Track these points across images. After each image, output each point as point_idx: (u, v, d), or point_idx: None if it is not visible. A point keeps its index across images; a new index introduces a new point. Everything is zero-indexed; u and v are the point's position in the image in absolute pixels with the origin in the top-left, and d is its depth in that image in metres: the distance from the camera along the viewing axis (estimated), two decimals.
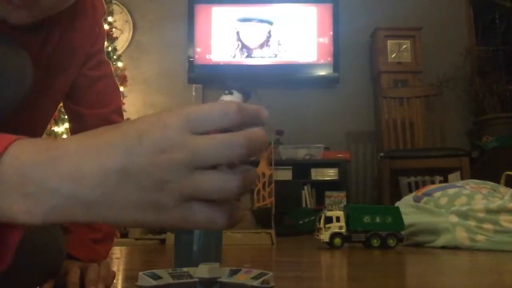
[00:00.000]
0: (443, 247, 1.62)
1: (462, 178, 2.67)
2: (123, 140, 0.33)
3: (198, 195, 0.34)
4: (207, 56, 3.76)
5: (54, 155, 0.33)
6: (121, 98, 0.94)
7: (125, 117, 0.95)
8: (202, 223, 0.35)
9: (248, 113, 0.36)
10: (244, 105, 0.36)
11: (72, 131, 0.90)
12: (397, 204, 1.92)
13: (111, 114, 0.88)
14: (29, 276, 0.64)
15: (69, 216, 0.33)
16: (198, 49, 3.75)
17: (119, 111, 0.92)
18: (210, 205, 0.34)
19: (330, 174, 3.35)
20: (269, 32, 3.77)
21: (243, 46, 3.76)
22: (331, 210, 1.83)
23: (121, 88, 3.03)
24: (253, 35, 3.77)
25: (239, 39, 3.76)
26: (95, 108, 0.86)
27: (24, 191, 0.33)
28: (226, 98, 0.75)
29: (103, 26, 0.87)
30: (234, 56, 3.75)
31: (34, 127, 0.80)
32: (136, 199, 0.33)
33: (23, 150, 0.34)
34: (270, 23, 3.77)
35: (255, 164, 1.91)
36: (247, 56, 3.75)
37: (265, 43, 3.76)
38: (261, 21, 3.77)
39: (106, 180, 0.33)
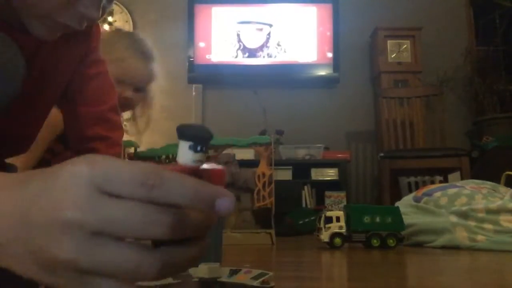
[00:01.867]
0: (443, 247, 1.62)
1: (462, 178, 2.67)
2: (30, 186, 0.29)
3: (98, 271, 0.27)
4: (207, 56, 3.76)
5: None
6: (117, 96, 0.94)
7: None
8: None
9: (185, 193, 0.28)
10: (186, 180, 0.28)
11: (68, 129, 0.90)
12: (397, 204, 1.91)
13: (107, 112, 0.88)
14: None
15: None
16: (198, 49, 3.75)
17: (115, 109, 0.92)
18: (115, 281, 0.28)
19: (330, 174, 3.35)
20: (269, 34, 3.77)
21: (244, 48, 3.76)
22: (331, 210, 1.83)
23: None
24: (253, 37, 3.77)
25: (239, 41, 3.76)
26: (91, 106, 0.86)
27: None
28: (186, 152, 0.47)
29: (98, 25, 0.87)
30: (236, 57, 3.75)
31: (31, 126, 0.80)
32: (31, 254, 0.28)
33: None
34: (270, 25, 3.77)
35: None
36: (247, 56, 3.75)
37: (264, 44, 3.76)
38: (261, 23, 3.77)
39: (6, 226, 0.29)
